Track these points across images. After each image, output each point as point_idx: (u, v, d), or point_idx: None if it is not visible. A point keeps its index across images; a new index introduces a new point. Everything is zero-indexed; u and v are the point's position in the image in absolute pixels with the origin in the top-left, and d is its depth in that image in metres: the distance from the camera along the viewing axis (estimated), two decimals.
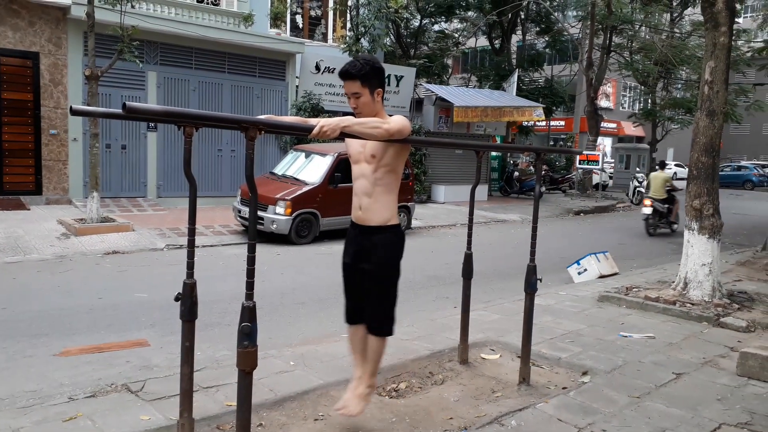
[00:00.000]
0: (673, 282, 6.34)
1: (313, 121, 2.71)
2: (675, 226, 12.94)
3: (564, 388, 3.83)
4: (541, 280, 3.85)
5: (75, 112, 2.42)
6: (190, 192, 2.53)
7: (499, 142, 20.58)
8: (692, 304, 5.82)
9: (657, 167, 14.29)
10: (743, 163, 36.18)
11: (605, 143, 33.30)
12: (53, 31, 11.99)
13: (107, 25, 10.23)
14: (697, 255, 6.00)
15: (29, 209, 11.33)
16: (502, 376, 4.05)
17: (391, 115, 2.98)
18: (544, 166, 19.77)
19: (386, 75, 17.19)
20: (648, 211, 12.68)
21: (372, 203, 3.05)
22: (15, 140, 11.90)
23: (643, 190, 20.39)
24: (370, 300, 3.14)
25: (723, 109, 6.09)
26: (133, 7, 10.36)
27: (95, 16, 9.78)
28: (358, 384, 3.19)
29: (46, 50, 11.96)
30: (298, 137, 12.93)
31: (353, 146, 3.12)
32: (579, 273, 7.89)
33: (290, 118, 3.18)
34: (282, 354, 4.28)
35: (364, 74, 2.92)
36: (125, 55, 9.95)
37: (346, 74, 2.94)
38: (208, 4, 14.53)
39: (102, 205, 10.27)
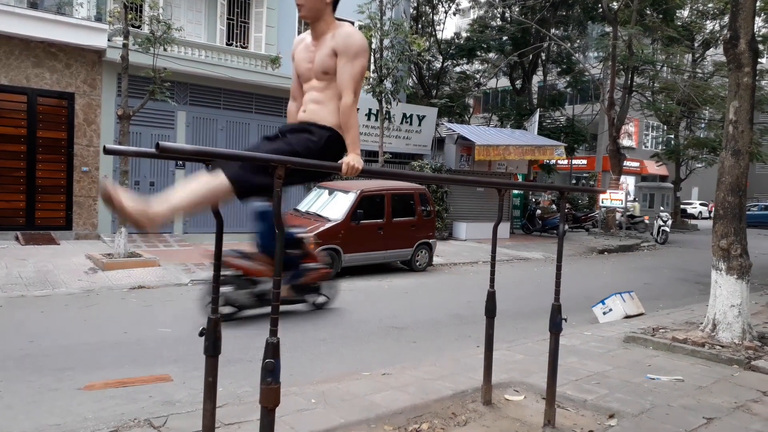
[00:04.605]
0: (701, 323, 6.20)
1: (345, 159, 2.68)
2: None
3: None
4: (566, 320, 3.81)
5: (108, 152, 2.51)
6: (217, 229, 2.60)
7: (520, 180, 20.58)
8: (722, 347, 5.67)
9: None
10: None
11: (628, 182, 33.07)
12: (89, 73, 12.48)
13: (140, 67, 10.63)
14: (726, 296, 5.88)
15: (59, 244, 11.59)
16: (527, 418, 3.97)
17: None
18: (567, 204, 19.69)
19: (409, 115, 17.66)
20: None
21: (320, 108, 2.82)
22: (48, 177, 12.29)
23: (667, 230, 20.09)
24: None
25: (748, 149, 6.05)
26: (165, 50, 10.76)
27: (129, 59, 10.18)
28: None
29: (81, 91, 12.43)
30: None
31: (301, 65, 2.90)
32: (604, 313, 7.76)
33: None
34: (303, 391, 4.26)
35: None
36: (157, 96, 10.31)
37: None
38: (236, 47, 15.02)
39: (129, 241, 10.47)
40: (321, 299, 7.69)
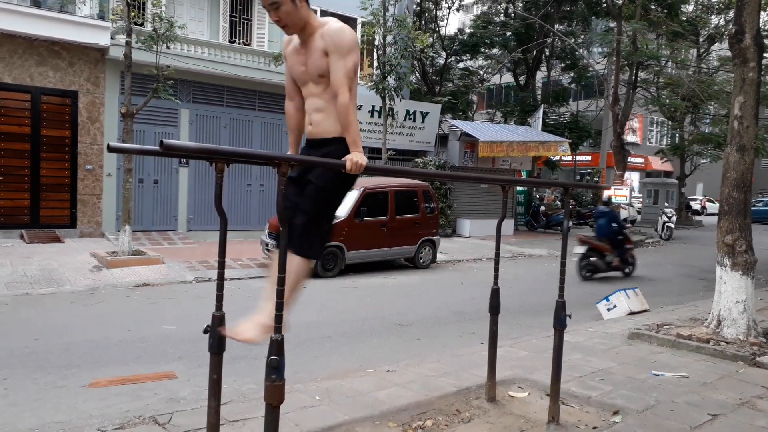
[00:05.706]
0: (706, 319, 6.18)
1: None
2: None
3: (594, 428, 3.73)
4: (570, 317, 3.80)
5: (112, 150, 2.51)
6: (221, 226, 2.59)
7: (524, 176, 20.53)
8: (727, 343, 5.65)
9: None
10: None
11: (633, 178, 32.96)
12: (92, 71, 12.50)
13: (143, 65, 10.64)
14: (731, 292, 5.85)
15: (63, 242, 11.63)
16: (531, 414, 3.97)
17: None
18: (571, 201, 19.60)
19: (412, 112, 17.65)
20: None
21: (325, 117, 2.84)
22: (52, 175, 12.33)
23: (672, 226, 19.98)
24: (303, 215, 2.82)
25: (753, 145, 6.02)
26: (168, 48, 10.77)
27: (132, 57, 10.19)
28: (263, 313, 2.76)
29: (85, 89, 12.45)
30: None
31: (295, 68, 2.88)
32: (608, 309, 7.74)
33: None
34: (308, 388, 4.27)
35: None
36: (160, 94, 10.32)
37: None
38: (239, 44, 15.02)
39: (133, 239, 10.49)
40: (629, 269, 11.28)
